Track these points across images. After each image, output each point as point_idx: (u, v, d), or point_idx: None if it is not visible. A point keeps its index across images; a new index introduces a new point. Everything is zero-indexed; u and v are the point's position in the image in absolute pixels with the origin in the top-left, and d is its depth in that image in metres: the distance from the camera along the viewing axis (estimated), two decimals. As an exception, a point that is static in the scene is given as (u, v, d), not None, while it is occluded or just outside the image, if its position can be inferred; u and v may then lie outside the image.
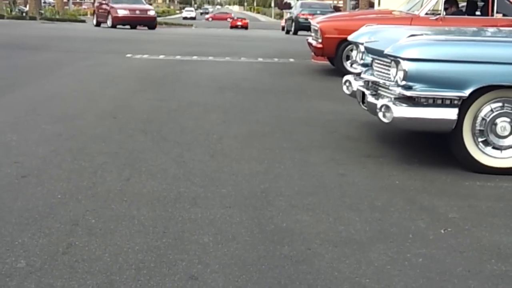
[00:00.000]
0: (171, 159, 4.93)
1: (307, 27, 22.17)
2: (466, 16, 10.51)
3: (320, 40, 10.61)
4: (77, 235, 3.32)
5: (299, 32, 27.71)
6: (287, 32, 30.90)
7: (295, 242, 3.33)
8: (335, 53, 10.54)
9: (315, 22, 11.29)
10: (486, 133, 4.74)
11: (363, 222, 3.66)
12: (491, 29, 6.65)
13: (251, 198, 4.03)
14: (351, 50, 10.31)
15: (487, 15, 10.30)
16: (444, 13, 10.20)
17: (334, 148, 5.44)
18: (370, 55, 5.64)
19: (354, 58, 6.22)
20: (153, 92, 8.45)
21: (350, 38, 6.40)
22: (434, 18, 10.03)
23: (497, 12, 10.25)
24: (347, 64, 10.32)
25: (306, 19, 25.61)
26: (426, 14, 10.14)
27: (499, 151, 4.76)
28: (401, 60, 4.61)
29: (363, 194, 4.18)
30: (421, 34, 4.98)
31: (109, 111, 6.87)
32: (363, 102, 5.53)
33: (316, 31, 10.90)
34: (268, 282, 2.87)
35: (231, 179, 4.44)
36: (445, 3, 10.34)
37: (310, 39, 11.35)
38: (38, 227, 3.42)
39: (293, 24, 29.78)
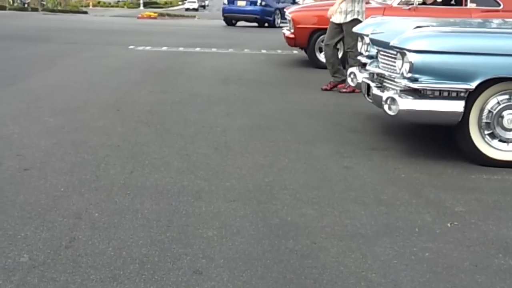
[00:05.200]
0: (175, 152, 4.90)
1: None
2: (439, 6, 10.48)
3: (292, 30, 10.61)
4: (80, 229, 3.29)
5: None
6: None
7: (300, 236, 3.30)
8: (307, 43, 10.52)
9: (288, 12, 11.29)
10: (493, 126, 4.69)
11: (368, 215, 3.62)
12: (496, 21, 6.59)
13: (255, 192, 3.99)
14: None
15: (461, 5, 10.34)
16: (417, 3, 10.22)
17: (338, 141, 5.40)
18: (375, 46, 5.58)
19: (359, 50, 6.16)
20: (156, 84, 8.41)
21: (355, 29, 6.33)
22: (407, 8, 10.04)
23: (471, 2, 10.26)
24: (319, 54, 10.38)
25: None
26: (399, 4, 10.13)
27: (505, 144, 4.72)
28: (407, 52, 4.56)
29: (368, 188, 4.15)
30: (427, 26, 4.93)
31: (112, 103, 6.84)
32: (368, 95, 5.49)
33: (289, 21, 10.88)
34: (273, 277, 2.83)
35: (235, 172, 4.41)
36: None
37: (285, 30, 11.28)
38: (41, 220, 3.39)
39: None
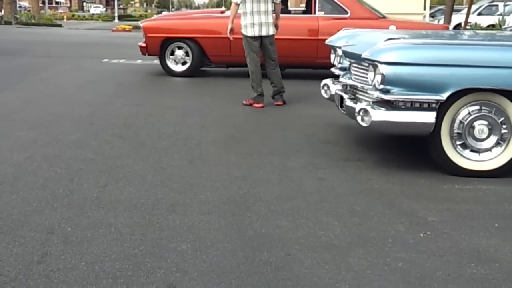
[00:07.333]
0: (149, 165, 4.88)
1: None
2: (288, 15, 10.61)
3: (144, 40, 10.77)
4: (53, 244, 3.26)
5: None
6: None
7: (275, 248, 3.30)
8: (159, 51, 10.66)
9: (140, 22, 11.46)
10: (464, 136, 4.75)
11: (342, 226, 3.64)
12: (467, 33, 6.69)
13: (229, 204, 3.99)
14: (178, 48, 10.50)
15: (310, 13, 10.60)
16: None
17: (312, 152, 5.42)
18: (348, 59, 5.63)
19: (332, 62, 6.20)
20: (130, 97, 8.38)
21: (327, 42, 6.37)
22: None
23: (319, 10, 10.49)
24: (171, 62, 10.64)
25: None
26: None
27: (477, 154, 4.77)
28: (378, 64, 4.61)
29: (342, 199, 4.17)
30: (399, 38, 4.98)
31: (85, 117, 6.80)
32: (341, 106, 5.53)
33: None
34: (248, 290, 2.83)
35: (209, 184, 4.41)
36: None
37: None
38: (12, 236, 3.35)
39: None
